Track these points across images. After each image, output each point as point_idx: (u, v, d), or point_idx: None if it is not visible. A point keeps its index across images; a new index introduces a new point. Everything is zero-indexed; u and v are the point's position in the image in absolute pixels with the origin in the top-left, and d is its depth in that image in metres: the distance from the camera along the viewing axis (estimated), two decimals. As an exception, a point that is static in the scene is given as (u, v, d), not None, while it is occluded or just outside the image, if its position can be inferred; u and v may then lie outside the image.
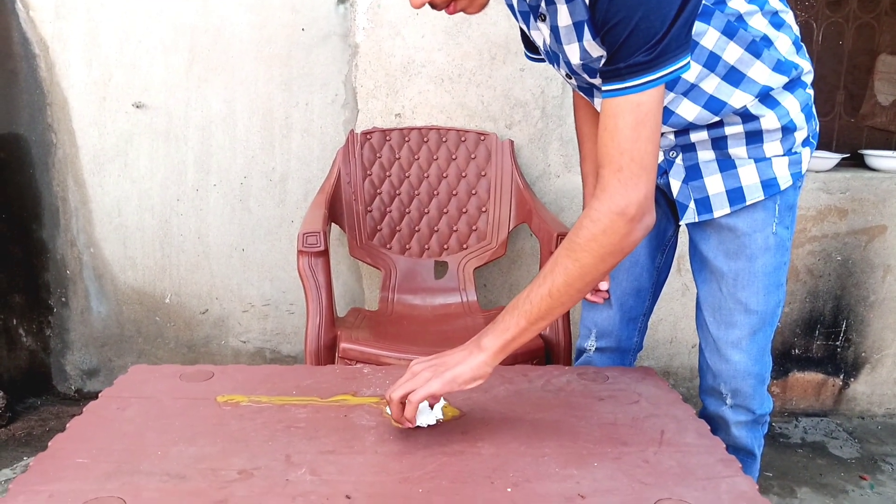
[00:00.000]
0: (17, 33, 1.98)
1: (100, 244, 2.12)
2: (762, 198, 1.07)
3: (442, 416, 0.97)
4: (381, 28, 1.97)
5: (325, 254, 1.57)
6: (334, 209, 1.86)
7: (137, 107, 2.02)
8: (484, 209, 1.96)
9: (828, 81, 2.26)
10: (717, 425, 1.19)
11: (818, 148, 1.95)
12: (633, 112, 0.85)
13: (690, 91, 1.03)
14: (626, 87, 0.85)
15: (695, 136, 1.08)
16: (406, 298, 1.91)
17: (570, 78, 1.08)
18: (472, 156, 1.97)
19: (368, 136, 1.95)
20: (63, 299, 2.17)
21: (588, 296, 1.28)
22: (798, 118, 1.06)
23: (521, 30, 1.20)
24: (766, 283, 1.11)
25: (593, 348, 1.31)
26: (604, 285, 1.26)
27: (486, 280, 2.13)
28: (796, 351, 2.20)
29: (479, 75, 2.00)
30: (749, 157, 1.08)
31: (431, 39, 1.98)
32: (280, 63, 2.00)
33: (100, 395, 1.05)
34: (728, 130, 1.06)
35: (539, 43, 1.06)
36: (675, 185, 1.13)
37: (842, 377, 2.23)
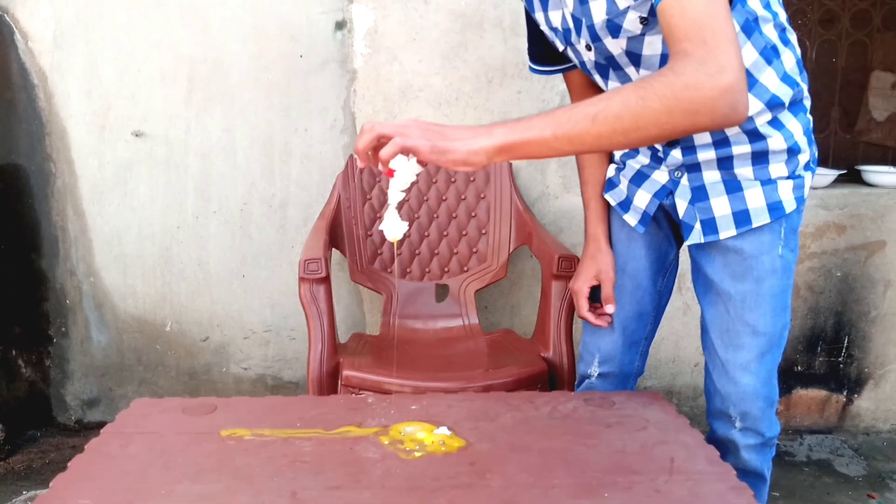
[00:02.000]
0: (15, 64, 1.99)
1: (100, 273, 2.11)
2: (768, 221, 1.07)
3: (419, 170, 0.90)
4: (379, 53, 1.99)
5: (326, 280, 1.57)
6: (334, 234, 1.85)
7: (137, 135, 2.02)
8: (484, 231, 1.96)
9: (822, 98, 2.28)
10: (726, 449, 1.18)
11: (816, 165, 1.96)
12: None
13: None
14: None
15: (702, 155, 1.09)
16: (408, 323, 1.90)
17: (590, 50, 1.06)
18: (471, 178, 1.97)
19: (367, 161, 1.95)
20: (63, 329, 2.15)
21: (592, 319, 1.28)
22: (802, 141, 1.08)
23: (529, 35, 1.20)
24: (773, 304, 1.10)
25: (596, 374, 1.30)
26: (609, 308, 1.25)
27: (487, 302, 2.12)
28: (799, 368, 2.19)
29: (477, 98, 2.01)
30: (755, 179, 1.08)
31: (429, 64, 1.99)
32: (279, 90, 2.01)
33: (102, 430, 1.04)
34: (735, 150, 1.07)
35: (557, 22, 1.06)
36: (682, 205, 1.13)
37: (845, 393, 2.22)
